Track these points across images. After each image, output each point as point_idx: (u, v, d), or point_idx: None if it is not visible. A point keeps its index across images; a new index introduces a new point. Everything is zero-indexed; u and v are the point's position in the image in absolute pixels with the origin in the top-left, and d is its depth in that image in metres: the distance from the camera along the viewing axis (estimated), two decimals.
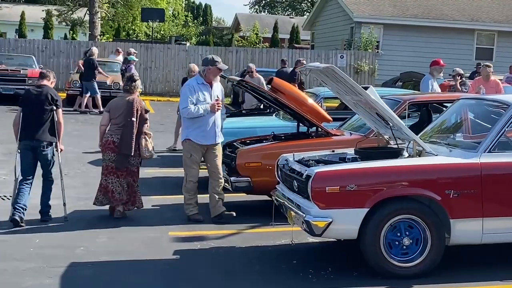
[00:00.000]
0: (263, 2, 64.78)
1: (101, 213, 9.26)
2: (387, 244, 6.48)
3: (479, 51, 30.88)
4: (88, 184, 9.81)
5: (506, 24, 31.10)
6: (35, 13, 44.40)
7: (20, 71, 22.93)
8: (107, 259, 7.21)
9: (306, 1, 63.22)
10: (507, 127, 6.72)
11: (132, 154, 8.78)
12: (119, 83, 21.30)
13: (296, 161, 7.25)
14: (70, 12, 38.48)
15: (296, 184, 6.94)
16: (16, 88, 22.62)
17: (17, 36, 37.14)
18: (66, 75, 26.68)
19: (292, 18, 55.65)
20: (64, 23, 39.41)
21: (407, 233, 6.52)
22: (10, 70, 22.92)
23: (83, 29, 38.50)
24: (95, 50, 21.67)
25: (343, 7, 31.43)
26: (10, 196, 9.96)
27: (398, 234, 6.51)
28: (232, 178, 9.08)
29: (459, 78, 14.95)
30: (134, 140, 8.76)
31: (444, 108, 9.50)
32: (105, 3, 36.99)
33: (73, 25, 37.70)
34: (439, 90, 12.68)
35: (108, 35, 38.32)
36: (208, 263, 7.14)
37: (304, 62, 18.70)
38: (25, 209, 8.44)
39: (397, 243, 6.52)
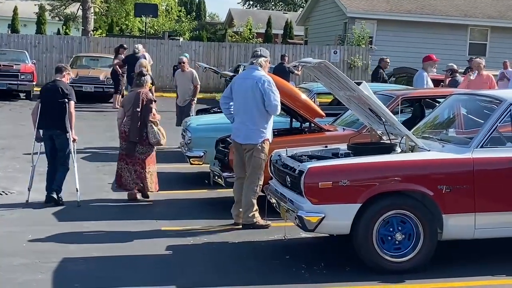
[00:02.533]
0: None
1: (93, 208, 9.26)
2: (379, 239, 6.49)
3: (472, 46, 30.92)
4: (82, 180, 9.81)
5: (499, 20, 31.14)
6: (28, 8, 44.19)
7: (12, 66, 22.88)
8: (100, 254, 7.20)
9: None
10: (499, 123, 6.75)
11: (138, 141, 9.47)
12: (111, 78, 21.37)
13: (289, 156, 7.25)
14: (63, 7, 38.35)
15: (289, 180, 6.94)
16: (8, 83, 22.58)
17: (9, 31, 36.93)
18: None
19: (286, 13, 55.58)
20: (57, 18, 39.29)
21: (399, 228, 6.53)
22: (3, 65, 22.86)
23: (76, 24, 38.38)
24: (140, 47, 21.55)
25: (336, 2, 31.41)
26: (2, 192, 9.98)
27: (391, 229, 6.52)
28: (225, 174, 9.07)
29: (449, 74, 14.99)
30: (139, 128, 9.45)
31: (437, 104, 9.51)
32: None
33: (66, 20, 37.57)
34: (432, 86, 12.71)
35: (101, 30, 38.20)
36: (201, 259, 7.14)
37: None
38: (57, 189, 9.37)
39: (389, 238, 6.52)
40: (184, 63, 14.51)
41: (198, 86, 14.66)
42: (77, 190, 9.34)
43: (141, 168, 9.55)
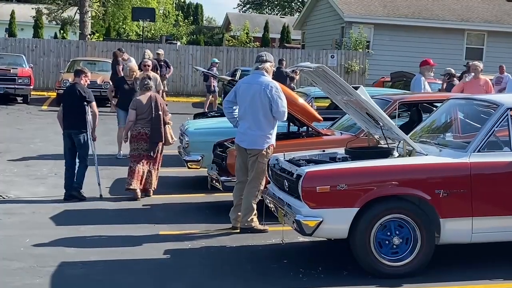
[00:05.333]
0: (252, 0, 64.75)
1: (91, 212, 9.26)
2: (377, 243, 6.50)
3: (469, 51, 30.97)
4: None
5: (496, 24, 31.20)
6: (25, 12, 44.19)
7: (10, 70, 22.86)
8: (98, 258, 7.20)
9: (296, 0, 63.25)
10: (496, 127, 6.76)
11: (161, 141, 10.12)
12: (109, 82, 21.29)
13: (286, 160, 7.26)
14: (60, 11, 38.32)
15: (286, 184, 6.95)
16: (6, 87, 22.57)
17: (7, 35, 36.94)
18: (56, 74, 26.60)
19: (283, 17, 55.64)
20: (54, 22, 39.24)
21: (397, 232, 6.54)
22: (0, 69, 22.83)
23: (73, 28, 38.35)
24: (161, 51, 21.43)
25: (333, 6, 31.45)
26: (0, 196, 10.00)
27: (388, 233, 6.53)
28: (222, 178, 9.08)
29: (446, 78, 15.06)
30: (162, 130, 10.13)
31: (434, 108, 9.53)
32: (96, 2, 36.90)
33: (63, 24, 37.55)
34: (430, 90, 12.73)
35: (98, 34, 38.21)
36: (199, 263, 7.15)
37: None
38: (76, 187, 9.88)
39: (387, 242, 6.53)
40: (148, 65, 14.27)
41: (161, 91, 14.56)
42: (99, 185, 10.06)
43: (160, 166, 10.31)
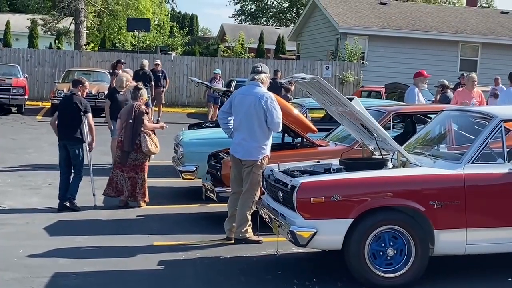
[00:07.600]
0: (247, 11, 64.84)
1: (85, 223, 9.24)
2: (371, 255, 6.50)
3: (463, 62, 31.11)
4: None
5: (490, 36, 31.35)
6: (20, 22, 44.22)
7: (4, 80, 22.85)
8: (91, 269, 7.18)
9: (291, 12, 63.44)
10: (490, 139, 6.78)
11: (130, 150, 10.03)
12: (104, 93, 21.26)
13: (281, 171, 7.26)
14: (56, 21, 38.39)
15: (281, 195, 6.95)
16: (0, 97, 22.53)
17: (1, 45, 36.91)
18: (51, 84, 26.58)
19: (278, 28, 55.79)
20: (49, 33, 39.29)
21: (391, 243, 6.54)
22: None
23: (68, 38, 38.39)
24: (145, 62, 21.38)
25: (328, 18, 31.56)
26: None
27: (383, 245, 6.53)
28: (217, 189, 9.07)
29: (440, 89, 15.09)
30: (131, 138, 10.01)
31: (428, 119, 9.55)
32: (91, 12, 36.96)
33: (58, 35, 37.57)
34: (424, 101, 12.76)
35: (93, 45, 38.24)
36: (193, 274, 7.13)
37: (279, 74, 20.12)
38: (68, 197, 9.83)
39: (381, 253, 6.53)
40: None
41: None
42: (94, 195, 10.05)
43: (135, 174, 10.10)
